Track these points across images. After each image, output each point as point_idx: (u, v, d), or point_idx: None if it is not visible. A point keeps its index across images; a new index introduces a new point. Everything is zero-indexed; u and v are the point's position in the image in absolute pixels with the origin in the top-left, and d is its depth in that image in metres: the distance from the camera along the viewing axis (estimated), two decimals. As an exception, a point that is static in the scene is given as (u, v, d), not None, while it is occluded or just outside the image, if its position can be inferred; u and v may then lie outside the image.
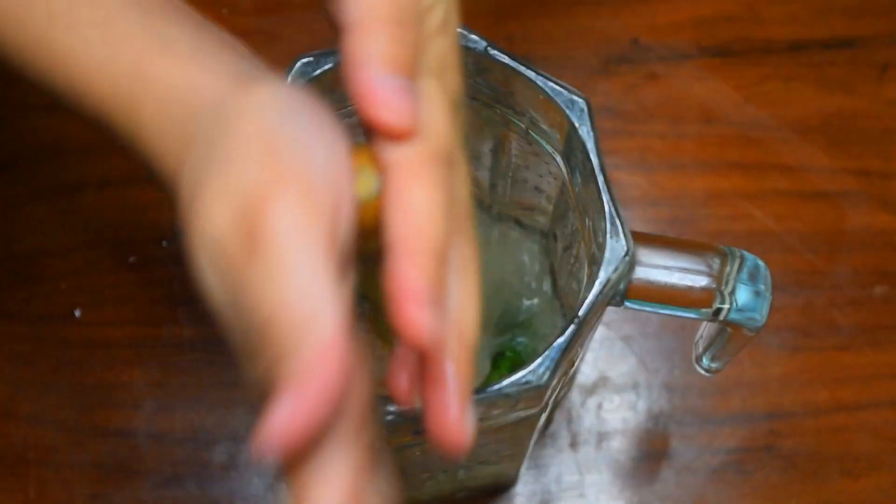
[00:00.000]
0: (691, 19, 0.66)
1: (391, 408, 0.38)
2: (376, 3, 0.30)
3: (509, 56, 0.41)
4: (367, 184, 0.31)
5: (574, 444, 0.58)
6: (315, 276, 0.28)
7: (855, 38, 0.66)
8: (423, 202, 0.30)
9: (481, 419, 0.40)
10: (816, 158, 0.63)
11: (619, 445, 0.58)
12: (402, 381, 0.31)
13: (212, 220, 0.29)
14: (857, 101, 0.65)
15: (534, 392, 0.38)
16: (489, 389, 0.38)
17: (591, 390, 0.59)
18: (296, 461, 0.28)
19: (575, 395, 0.59)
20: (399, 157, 0.30)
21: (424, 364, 0.31)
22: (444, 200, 0.30)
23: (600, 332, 0.60)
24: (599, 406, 0.59)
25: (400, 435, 0.40)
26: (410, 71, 0.30)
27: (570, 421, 0.58)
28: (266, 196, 0.29)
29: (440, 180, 0.31)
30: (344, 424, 0.29)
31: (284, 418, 0.27)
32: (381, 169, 0.31)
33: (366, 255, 0.32)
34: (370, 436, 0.30)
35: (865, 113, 0.65)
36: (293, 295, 0.28)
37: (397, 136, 0.30)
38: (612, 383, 0.59)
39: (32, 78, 0.34)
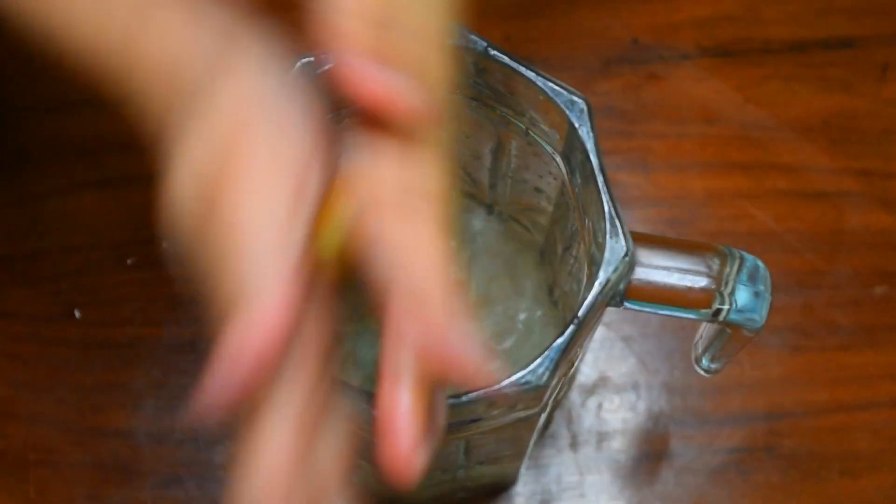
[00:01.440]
0: (691, 19, 0.66)
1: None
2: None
3: (509, 56, 0.41)
4: (342, 213, 0.30)
5: (574, 444, 0.58)
6: (271, 244, 0.28)
7: (855, 38, 0.66)
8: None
9: (480, 419, 0.40)
10: (816, 158, 0.63)
11: (619, 445, 0.58)
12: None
13: (181, 175, 0.30)
14: (857, 101, 0.65)
15: (533, 392, 0.38)
16: (488, 389, 0.38)
17: (591, 390, 0.59)
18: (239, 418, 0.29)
19: (575, 395, 0.59)
20: (380, 190, 0.29)
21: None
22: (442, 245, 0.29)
23: (600, 332, 0.60)
24: (599, 406, 0.59)
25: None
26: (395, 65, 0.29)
27: (570, 421, 0.59)
28: (236, 140, 0.29)
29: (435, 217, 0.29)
30: (294, 368, 0.29)
31: (217, 387, 0.28)
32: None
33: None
34: (323, 384, 0.30)
35: (865, 113, 0.65)
36: (247, 264, 0.28)
37: (390, 110, 0.29)
38: (612, 383, 0.59)
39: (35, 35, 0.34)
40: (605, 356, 0.60)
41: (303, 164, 0.30)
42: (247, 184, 0.29)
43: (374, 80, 0.28)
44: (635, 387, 0.59)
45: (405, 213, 0.29)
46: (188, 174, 0.30)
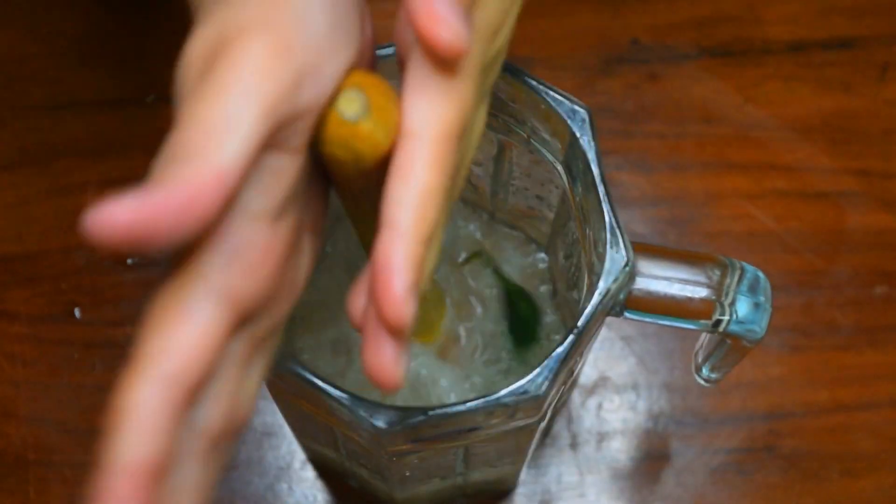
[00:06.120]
0: (691, 19, 0.66)
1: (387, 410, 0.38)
2: None
3: (511, 65, 0.41)
4: (350, 104, 0.31)
5: (574, 445, 0.58)
6: (241, 115, 0.29)
7: (855, 38, 0.66)
8: (427, 185, 0.30)
9: (479, 428, 0.40)
10: (816, 158, 0.63)
11: (619, 445, 0.58)
12: (358, 303, 0.32)
13: (193, 44, 0.31)
14: (857, 101, 0.65)
15: (532, 402, 0.38)
16: (486, 399, 0.38)
17: (591, 390, 0.59)
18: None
19: (575, 395, 0.59)
20: (416, 125, 0.30)
21: (372, 299, 0.31)
22: (446, 184, 0.31)
23: (600, 332, 0.60)
24: (599, 406, 0.59)
25: (397, 443, 0.40)
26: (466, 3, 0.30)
27: (570, 421, 0.59)
28: (245, 31, 0.30)
29: (448, 163, 0.31)
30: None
31: (137, 206, 0.28)
32: (373, 98, 0.31)
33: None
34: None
35: (865, 113, 0.64)
36: (213, 116, 0.29)
37: (447, 56, 0.30)
38: (612, 383, 0.59)
39: None
40: (605, 356, 0.60)
41: (305, 72, 0.30)
42: (242, 60, 0.29)
43: (446, 13, 0.29)
44: (635, 387, 0.59)
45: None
46: (199, 42, 0.30)
